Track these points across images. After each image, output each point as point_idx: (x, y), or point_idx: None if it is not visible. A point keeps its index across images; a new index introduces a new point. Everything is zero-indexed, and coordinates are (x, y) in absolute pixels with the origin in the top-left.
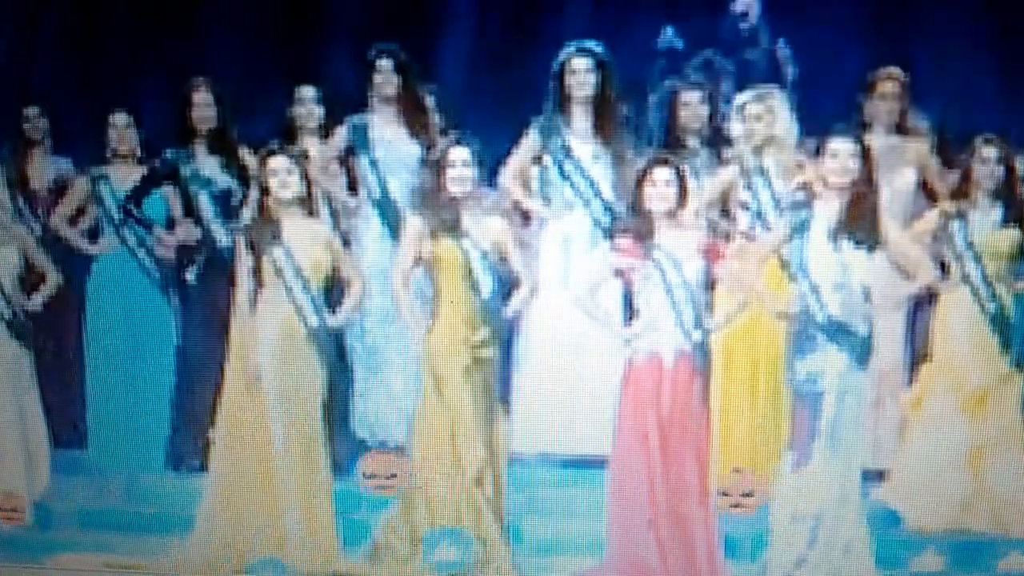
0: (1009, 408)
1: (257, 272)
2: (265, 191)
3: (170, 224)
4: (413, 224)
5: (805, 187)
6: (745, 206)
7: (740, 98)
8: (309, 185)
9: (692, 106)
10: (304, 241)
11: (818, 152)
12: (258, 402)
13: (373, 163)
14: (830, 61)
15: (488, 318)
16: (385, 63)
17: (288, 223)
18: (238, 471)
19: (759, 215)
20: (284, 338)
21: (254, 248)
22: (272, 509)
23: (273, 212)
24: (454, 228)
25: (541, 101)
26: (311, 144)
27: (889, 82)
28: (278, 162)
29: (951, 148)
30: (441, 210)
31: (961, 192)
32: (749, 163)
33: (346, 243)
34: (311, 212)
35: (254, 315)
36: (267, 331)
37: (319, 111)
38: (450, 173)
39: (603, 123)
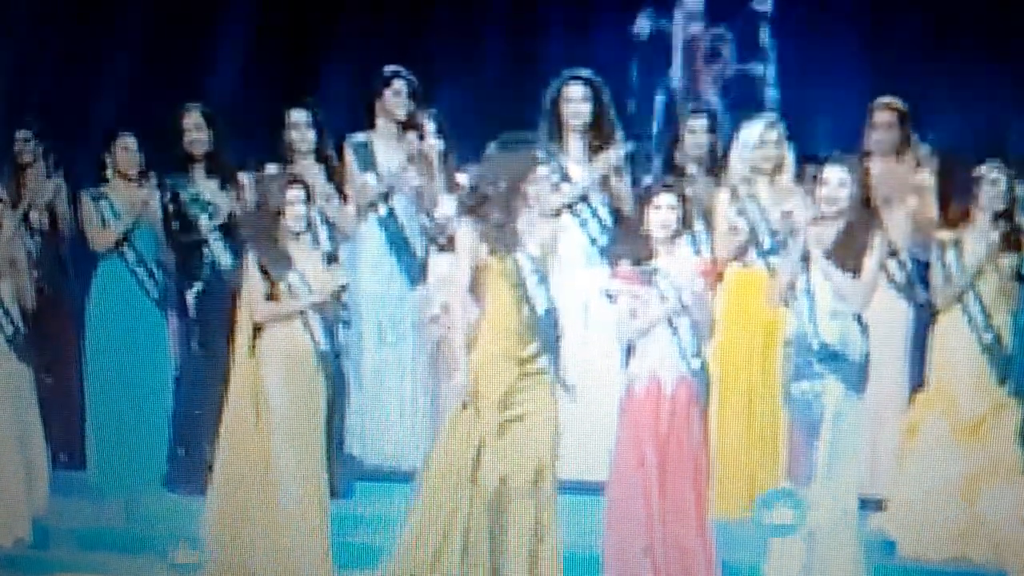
0: (1005, 437)
1: (272, 297)
2: (277, 217)
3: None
4: (466, 233)
5: (791, 214)
6: (738, 231)
7: (755, 126)
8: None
9: (697, 133)
10: (313, 265)
11: (815, 179)
12: (262, 423)
13: (379, 179)
14: (831, 88)
15: (538, 331)
16: (402, 85)
17: (295, 247)
18: (239, 492)
19: (755, 241)
20: (293, 360)
21: (267, 273)
22: (273, 531)
23: (283, 238)
24: (507, 234)
25: (538, 126)
26: (305, 168)
27: (887, 111)
28: (295, 193)
29: (954, 174)
30: (495, 211)
31: (962, 219)
32: (741, 189)
33: (334, 260)
34: (315, 237)
35: (262, 338)
36: (276, 353)
37: (311, 135)
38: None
39: (598, 148)
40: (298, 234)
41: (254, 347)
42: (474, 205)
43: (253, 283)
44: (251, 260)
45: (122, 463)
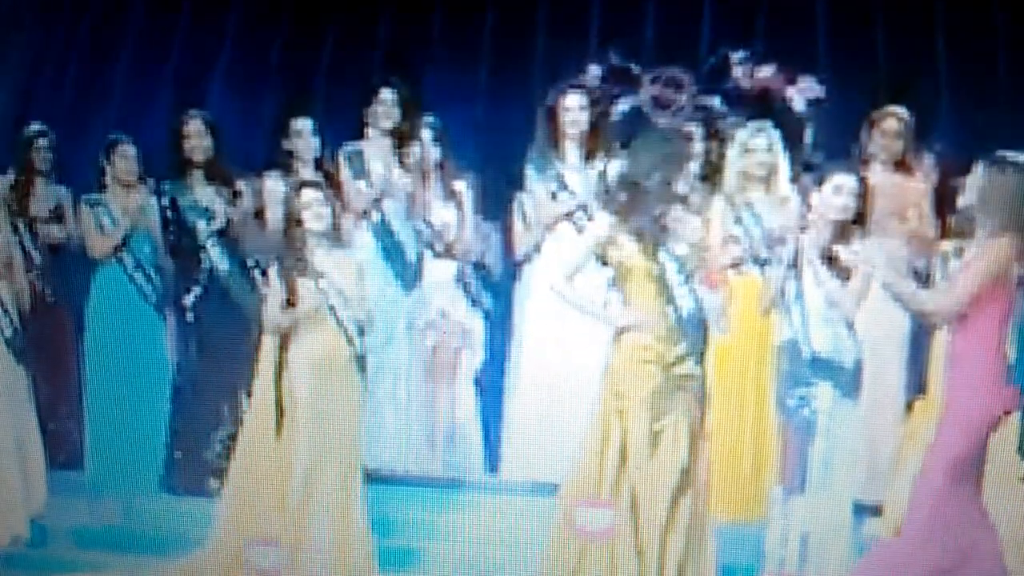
0: (1004, 446)
1: (291, 302)
2: (297, 223)
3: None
4: (601, 225)
5: (790, 222)
6: (735, 240)
7: (745, 132)
8: (335, 214)
9: (692, 143)
10: (340, 268)
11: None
12: (290, 428)
13: (371, 187)
14: (833, 96)
15: (686, 331)
16: (388, 95)
17: (320, 252)
18: (256, 495)
19: (752, 250)
20: (327, 363)
21: (287, 279)
22: (300, 536)
23: (302, 242)
24: (659, 230)
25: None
26: (306, 175)
27: (891, 119)
28: (311, 195)
29: (955, 184)
30: (651, 205)
31: (962, 227)
32: (737, 198)
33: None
34: (340, 241)
35: (294, 342)
36: (308, 357)
37: (315, 143)
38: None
39: (595, 156)
40: (322, 236)
41: (282, 360)
42: (626, 200)
43: (273, 296)
44: (273, 274)
45: (120, 464)
